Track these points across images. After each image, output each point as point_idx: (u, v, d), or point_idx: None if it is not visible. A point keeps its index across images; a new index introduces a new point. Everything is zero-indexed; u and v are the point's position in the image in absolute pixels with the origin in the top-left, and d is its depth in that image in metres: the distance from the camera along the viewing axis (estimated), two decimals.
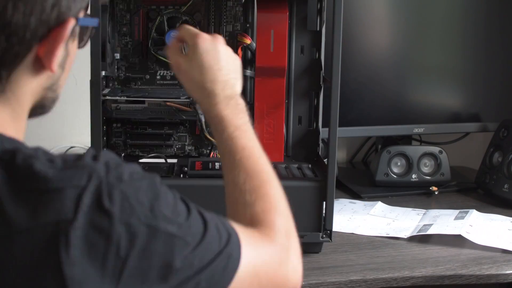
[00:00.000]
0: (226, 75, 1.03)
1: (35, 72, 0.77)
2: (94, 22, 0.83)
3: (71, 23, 0.76)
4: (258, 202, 0.90)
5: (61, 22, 0.75)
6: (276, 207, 0.91)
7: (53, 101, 0.83)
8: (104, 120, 1.31)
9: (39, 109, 0.82)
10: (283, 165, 1.34)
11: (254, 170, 0.94)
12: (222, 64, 1.03)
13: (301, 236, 1.25)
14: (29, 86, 0.78)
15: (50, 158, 0.71)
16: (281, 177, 1.28)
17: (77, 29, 0.80)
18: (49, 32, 0.75)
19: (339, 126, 1.24)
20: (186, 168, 1.27)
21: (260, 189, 0.92)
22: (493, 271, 1.26)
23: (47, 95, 0.81)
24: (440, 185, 1.70)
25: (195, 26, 1.33)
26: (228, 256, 0.77)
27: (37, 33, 0.74)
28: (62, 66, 0.80)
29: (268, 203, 0.90)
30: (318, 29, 1.36)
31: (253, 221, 0.88)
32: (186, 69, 1.03)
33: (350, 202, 1.61)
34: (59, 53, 0.77)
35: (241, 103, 1.03)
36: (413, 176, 1.71)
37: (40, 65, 0.77)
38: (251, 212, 0.89)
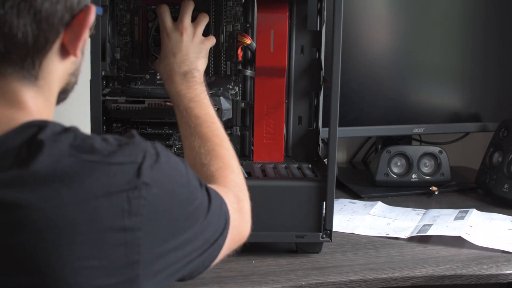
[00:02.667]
0: (183, 56, 1.20)
1: (61, 59, 0.81)
2: (100, 10, 0.88)
3: (93, 9, 0.81)
4: (212, 163, 1.03)
5: (82, 9, 0.80)
6: (227, 165, 1.04)
7: (73, 86, 0.88)
8: (104, 120, 1.31)
9: (62, 94, 0.86)
10: (283, 165, 1.35)
11: (207, 135, 1.08)
12: (181, 48, 1.21)
13: (301, 236, 1.26)
14: (57, 73, 0.82)
15: (103, 137, 0.77)
16: (281, 177, 1.29)
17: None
18: (72, 19, 0.79)
19: (339, 126, 1.24)
20: None
21: (213, 151, 1.05)
22: (493, 271, 1.26)
23: (71, 80, 0.86)
24: (440, 185, 1.70)
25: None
26: (225, 216, 0.89)
27: (63, 20, 0.78)
28: (82, 51, 0.84)
29: (221, 163, 1.04)
30: (318, 29, 1.36)
31: (209, 179, 1.01)
32: (158, 59, 1.25)
33: (350, 202, 1.61)
34: (84, 38, 0.81)
35: (197, 76, 1.19)
36: (413, 176, 1.71)
37: (65, 52, 0.81)
38: (207, 171, 1.02)
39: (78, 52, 0.81)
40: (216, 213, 0.86)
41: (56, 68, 0.81)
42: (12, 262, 0.70)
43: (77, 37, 0.80)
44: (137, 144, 0.77)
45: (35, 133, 0.74)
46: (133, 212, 0.73)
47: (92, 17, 0.81)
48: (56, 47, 0.79)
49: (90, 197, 0.71)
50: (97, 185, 0.72)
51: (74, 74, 0.86)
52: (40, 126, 0.75)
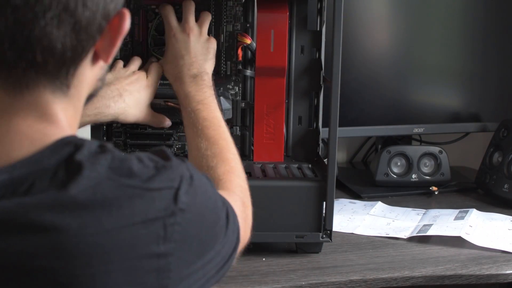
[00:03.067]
0: (192, 58, 1.21)
1: (92, 65, 0.78)
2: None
3: (128, 15, 0.77)
4: (219, 166, 1.03)
5: (116, 15, 0.76)
6: (234, 169, 1.04)
7: (99, 91, 0.85)
8: None
9: (87, 100, 0.84)
10: (283, 165, 1.35)
11: (214, 137, 1.09)
12: (189, 50, 1.21)
13: (301, 236, 1.26)
14: (87, 80, 0.79)
15: (138, 158, 0.75)
16: (281, 177, 1.29)
17: None
18: (107, 24, 0.76)
19: (339, 126, 1.24)
20: None
21: (220, 155, 1.06)
22: (493, 271, 1.26)
23: (98, 85, 0.83)
24: (440, 185, 1.70)
25: None
26: (236, 225, 0.87)
27: (101, 28, 0.75)
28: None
29: (228, 166, 1.04)
30: (318, 29, 1.36)
31: (216, 182, 1.00)
32: (163, 60, 1.26)
33: (350, 202, 1.61)
34: (118, 45, 0.78)
35: (207, 79, 1.20)
36: (413, 176, 1.71)
37: (96, 58, 0.78)
38: (213, 174, 1.02)
39: (110, 59, 0.79)
40: (231, 229, 0.86)
41: (87, 75, 0.78)
42: (48, 286, 0.69)
43: (111, 44, 0.77)
44: (174, 168, 0.76)
45: (72, 153, 0.72)
46: (168, 238, 0.73)
47: (127, 24, 0.77)
48: (90, 54, 0.77)
49: (129, 224, 0.71)
50: (136, 212, 0.71)
51: (101, 79, 0.84)
52: (76, 145, 0.73)
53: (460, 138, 1.87)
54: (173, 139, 1.38)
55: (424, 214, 1.53)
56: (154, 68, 1.26)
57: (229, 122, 1.36)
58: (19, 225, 0.68)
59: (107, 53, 0.78)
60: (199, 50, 1.23)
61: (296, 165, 1.35)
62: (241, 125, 1.38)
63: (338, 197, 1.62)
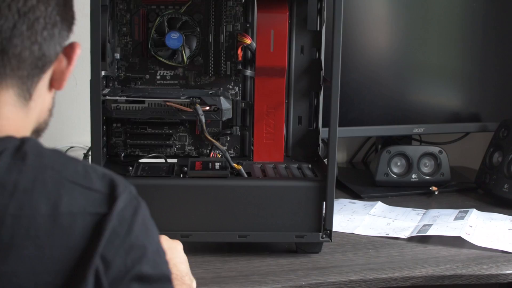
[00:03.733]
0: None
1: (48, 90, 0.83)
2: None
3: (78, 45, 0.83)
4: None
5: (69, 44, 0.82)
6: None
7: (45, 128, 0.87)
8: (104, 120, 1.31)
9: (35, 133, 0.85)
10: (283, 165, 1.35)
11: None
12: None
13: (301, 236, 1.26)
14: (44, 102, 0.83)
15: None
16: (281, 177, 1.29)
17: None
18: (62, 52, 0.81)
19: (339, 126, 1.24)
20: (186, 168, 1.27)
21: None
22: (493, 271, 1.26)
23: (47, 119, 0.86)
24: (440, 185, 1.70)
25: (195, 27, 1.34)
26: None
27: (61, 47, 0.81)
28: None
29: None
30: (318, 29, 1.36)
31: None
32: None
33: (350, 202, 1.61)
34: (70, 73, 0.83)
35: None
36: (413, 176, 1.71)
37: (51, 84, 0.83)
38: None
39: (63, 85, 0.83)
40: None
41: (44, 97, 0.82)
42: None
43: (66, 69, 0.82)
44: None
45: (20, 144, 0.74)
46: None
47: (78, 52, 0.82)
48: (48, 74, 0.81)
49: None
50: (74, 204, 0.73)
51: (51, 112, 0.86)
52: (22, 139, 0.75)
53: (460, 138, 1.87)
54: (173, 139, 1.38)
55: (424, 214, 1.53)
56: None
57: (229, 122, 1.36)
58: None
59: (61, 79, 0.82)
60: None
61: (296, 165, 1.35)
62: (241, 125, 1.38)
63: (338, 197, 1.62)
